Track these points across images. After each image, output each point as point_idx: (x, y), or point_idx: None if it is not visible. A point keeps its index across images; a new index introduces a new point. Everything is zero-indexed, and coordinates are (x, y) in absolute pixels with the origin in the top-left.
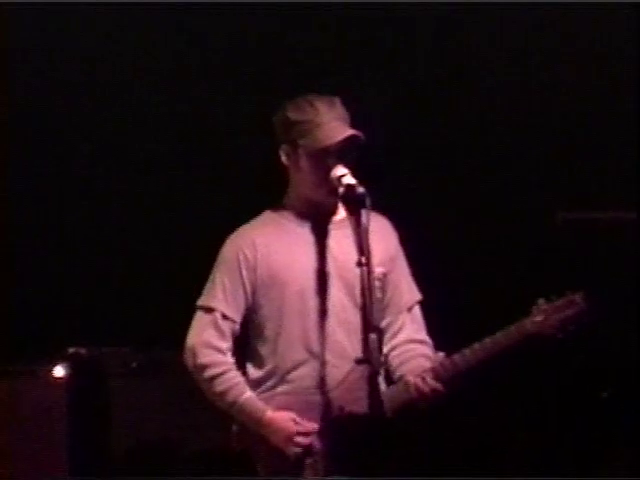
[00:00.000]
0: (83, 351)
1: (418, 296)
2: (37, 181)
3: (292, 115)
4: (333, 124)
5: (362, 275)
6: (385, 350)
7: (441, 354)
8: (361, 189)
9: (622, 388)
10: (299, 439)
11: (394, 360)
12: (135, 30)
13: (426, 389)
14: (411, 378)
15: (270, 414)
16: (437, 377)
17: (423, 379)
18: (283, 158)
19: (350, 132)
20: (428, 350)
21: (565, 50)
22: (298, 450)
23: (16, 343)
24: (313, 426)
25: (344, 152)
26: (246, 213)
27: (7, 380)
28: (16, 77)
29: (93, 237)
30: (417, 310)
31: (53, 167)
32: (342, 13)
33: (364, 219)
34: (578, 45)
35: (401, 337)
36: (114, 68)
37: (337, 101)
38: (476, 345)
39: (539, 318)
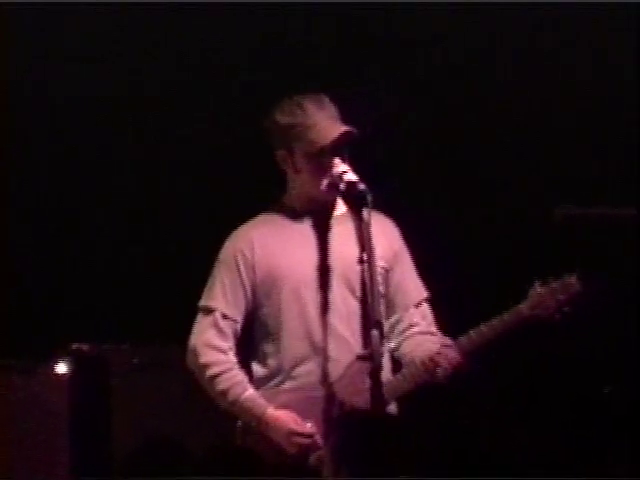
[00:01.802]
0: (86, 347)
1: (425, 294)
2: (37, 182)
3: (282, 119)
4: (324, 123)
5: (364, 271)
6: (397, 341)
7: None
8: (362, 186)
9: (624, 384)
10: (299, 439)
11: (409, 345)
12: (135, 30)
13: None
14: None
15: (271, 412)
16: None
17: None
18: (280, 163)
19: (343, 129)
20: None
21: (565, 50)
22: (298, 448)
23: (18, 339)
24: (310, 429)
25: (339, 147)
26: (248, 211)
27: (8, 376)
28: (15, 77)
29: (95, 234)
30: (426, 307)
31: (53, 167)
32: (342, 13)
33: (365, 215)
34: (578, 45)
35: (415, 329)
36: (114, 68)
37: (324, 98)
38: (472, 332)
39: (535, 301)
